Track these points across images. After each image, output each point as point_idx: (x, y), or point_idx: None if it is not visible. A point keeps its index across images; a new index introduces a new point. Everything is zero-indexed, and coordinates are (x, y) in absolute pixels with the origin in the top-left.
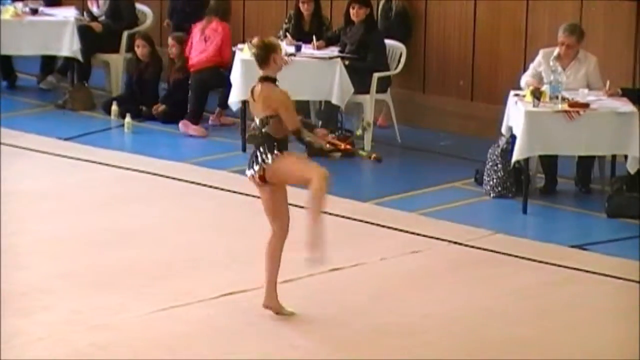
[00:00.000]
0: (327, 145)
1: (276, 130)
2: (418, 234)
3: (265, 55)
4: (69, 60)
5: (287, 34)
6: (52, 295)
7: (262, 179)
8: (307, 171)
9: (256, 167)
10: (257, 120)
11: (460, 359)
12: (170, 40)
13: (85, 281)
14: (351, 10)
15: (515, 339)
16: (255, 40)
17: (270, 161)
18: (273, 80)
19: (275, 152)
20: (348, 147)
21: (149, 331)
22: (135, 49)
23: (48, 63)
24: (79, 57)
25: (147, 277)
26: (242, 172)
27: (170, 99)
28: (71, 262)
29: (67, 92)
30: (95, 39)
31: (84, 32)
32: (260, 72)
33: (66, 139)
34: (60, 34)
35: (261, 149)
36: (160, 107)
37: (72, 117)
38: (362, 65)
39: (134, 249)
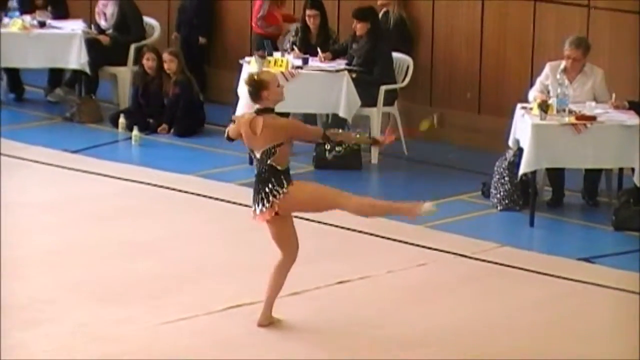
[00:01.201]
0: (357, 140)
1: (282, 159)
2: (425, 247)
3: (257, 92)
4: (76, 73)
5: (295, 46)
6: (57, 307)
7: (275, 214)
8: (339, 197)
9: (267, 205)
10: (258, 154)
11: None
12: (166, 56)
13: (91, 293)
14: (354, 25)
15: (522, 352)
16: (247, 76)
17: (282, 195)
18: (271, 111)
19: (285, 185)
20: (390, 138)
21: (155, 344)
22: (144, 62)
23: (56, 76)
24: (87, 69)
25: (154, 289)
26: (249, 185)
27: (170, 114)
28: (77, 274)
29: (75, 104)
30: (102, 52)
31: (92, 44)
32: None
33: (73, 152)
34: (67, 47)
35: (270, 185)
36: (164, 128)
37: (79, 129)
38: (369, 78)
39: (141, 262)
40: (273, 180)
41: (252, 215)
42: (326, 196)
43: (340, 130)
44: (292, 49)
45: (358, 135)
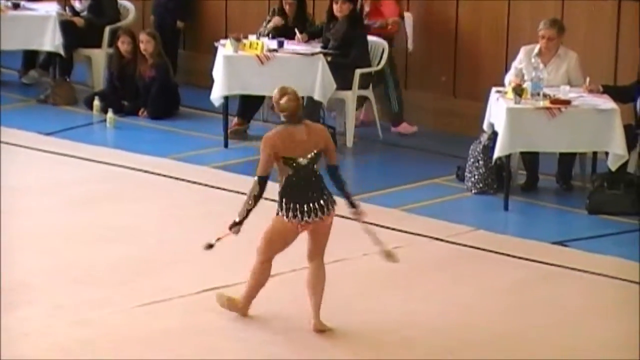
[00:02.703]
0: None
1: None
2: (400, 230)
3: (298, 107)
4: (51, 55)
5: (270, 30)
6: (35, 290)
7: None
8: (263, 246)
9: (324, 212)
10: (304, 161)
11: (442, 358)
12: (143, 36)
13: (68, 276)
14: (334, 6)
15: (497, 336)
16: (280, 92)
17: (333, 208)
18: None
19: (334, 200)
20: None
21: (131, 327)
22: (119, 44)
23: (30, 58)
24: (61, 51)
25: (130, 272)
26: (224, 168)
27: (146, 96)
28: (54, 258)
29: (49, 86)
30: (77, 34)
31: (66, 26)
32: (287, 122)
33: (48, 134)
34: (42, 29)
35: (326, 193)
36: (145, 112)
37: (54, 112)
38: (345, 61)
39: (117, 245)
40: (326, 190)
41: (295, 223)
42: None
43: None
44: (267, 35)
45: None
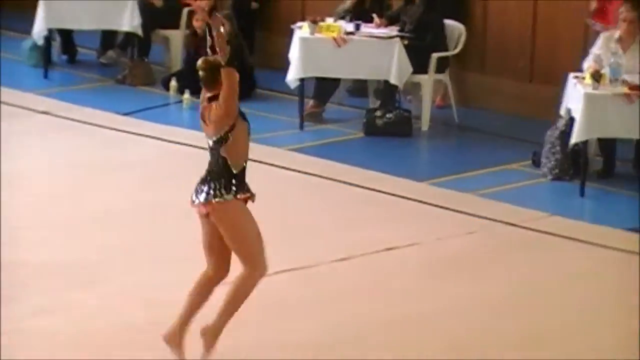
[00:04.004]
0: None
1: (234, 152)
2: (474, 215)
3: (213, 75)
4: (129, 35)
5: (347, 13)
6: (108, 268)
7: (206, 214)
8: (251, 247)
9: (203, 197)
10: (212, 143)
11: (517, 341)
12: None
13: (143, 256)
14: None
15: (570, 322)
16: (200, 61)
17: (221, 200)
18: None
19: (234, 192)
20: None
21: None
22: (194, 22)
23: (108, 38)
24: (139, 32)
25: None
26: (299, 150)
27: None
28: (128, 236)
29: (127, 67)
30: (155, 15)
31: (145, 7)
32: (208, 94)
33: (125, 114)
34: (121, 9)
35: (221, 181)
36: None
37: (131, 92)
38: (421, 45)
39: (191, 224)
40: (222, 179)
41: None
42: (243, 241)
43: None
44: (343, 17)
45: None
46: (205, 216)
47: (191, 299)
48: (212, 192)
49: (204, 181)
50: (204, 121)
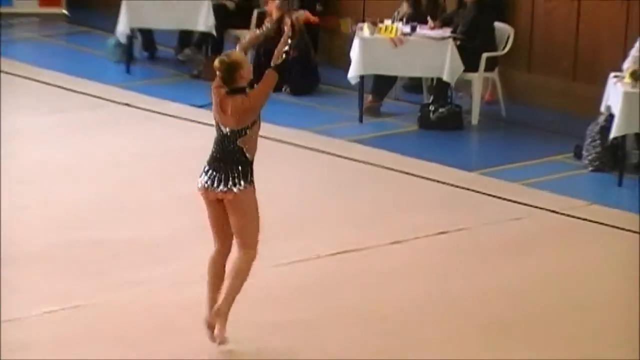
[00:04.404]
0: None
1: (250, 143)
2: (520, 203)
3: (231, 74)
4: (204, 34)
5: (404, 15)
6: (184, 246)
7: (220, 200)
8: (254, 234)
9: (223, 186)
10: (228, 132)
11: (554, 318)
12: (287, 20)
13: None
14: None
15: (607, 302)
16: (217, 61)
17: (242, 188)
18: (243, 90)
19: (250, 182)
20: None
21: (272, 283)
22: (264, 25)
23: (185, 37)
24: (213, 32)
25: (275, 233)
26: (358, 141)
27: (290, 75)
28: (201, 217)
29: (202, 63)
30: (228, 16)
31: (218, 9)
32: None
33: (199, 106)
34: (197, 11)
35: (237, 172)
36: (288, 89)
37: (205, 86)
38: (472, 45)
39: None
40: (240, 168)
41: (203, 187)
42: (249, 226)
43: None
44: (401, 19)
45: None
46: (218, 201)
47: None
48: (231, 180)
49: (217, 168)
50: (223, 111)
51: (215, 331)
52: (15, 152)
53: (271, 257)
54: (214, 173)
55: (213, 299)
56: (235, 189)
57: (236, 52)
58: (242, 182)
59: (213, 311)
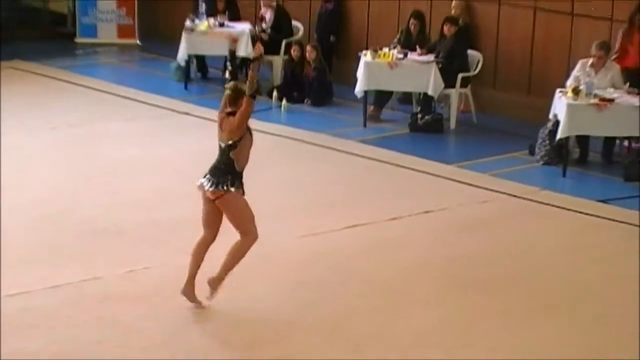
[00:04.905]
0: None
1: (240, 157)
2: (487, 189)
3: (236, 97)
4: (244, 59)
5: (398, 44)
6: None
7: (212, 199)
8: (249, 224)
9: (213, 187)
10: (224, 145)
11: (514, 279)
12: (309, 48)
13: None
14: (445, 27)
15: (552, 265)
16: (230, 84)
17: (228, 191)
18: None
19: (237, 187)
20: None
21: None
22: (292, 52)
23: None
24: (251, 57)
25: (300, 213)
26: (363, 141)
27: (309, 90)
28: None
29: (242, 82)
30: (262, 45)
31: (255, 39)
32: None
33: None
34: (239, 40)
35: (225, 178)
36: (308, 101)
37: None
38: (450, 67)
39: (290, 194)
40: (229, 176)
41: (203, 188)
42: (245, 217)
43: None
44: (395, 47)
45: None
46: (211, 200)
47: (194, 259)
48: (220, 185)
49: (213, 174)
50: (220, 128)
51: (207, 294)
52: (102, 151)
53: (296, 230)
54: (210, 177)
55: (191, 275)
56: (222, 191)
57: (244, 85)
58: (229, 187)
59: (209, 280)
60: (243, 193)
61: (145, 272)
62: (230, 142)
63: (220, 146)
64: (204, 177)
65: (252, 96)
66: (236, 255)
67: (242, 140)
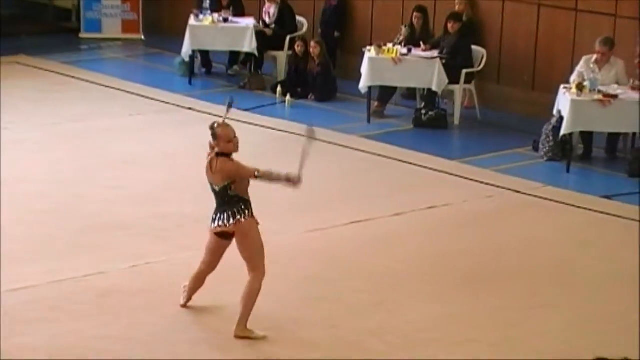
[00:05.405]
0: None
1: (240, 189)
2: (491, 185)
3: (213, 138)
4: (248, 55)
5: (403, 41)
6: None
7: (228, 235)
8: (259, 258)
9: (232, 220)
10: (218, 189)
11: (515, 272)
12: (313, 44)
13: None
14: (448, 24)
15: (556, 260)
16: (216, 122)
17: (243, 219)
18: (227, 155)
19: (251, 214)
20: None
21: (300, 247)
22: (296, 48)
23: (234, 56)
24: (256, 53)
25: (302, 206)
26: (367, 137)
27: (313, 85)
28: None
29: (247, 77)
30: (267, 40)
31: (259, 35)
32: (216, 149)
33: (245, 110)
34: (243, 36)
35: (235, 209)
36: (312, 97)
37: (249, 95)
38: (454, 63)
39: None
40: (238, 206)
41: (220, 225)
42: (256, 251)
43: (272, 171)
44: (401, 43)
45: (278, 174)
46: (224, 236)
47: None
48: (238, 215)
49: (223, 211)
50: (211, 169)
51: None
52: (106, 146)
53: (299, 226)
54: (221, 215)
55: (188, 296)
56: (242, 219)
57: (225, 128)
58: (245, 215)
59: (235, 334)
60: (256, 223)
61: (148, 267)
62: (223, 184)
63: (214, 190)
64: (214, 220)
65: (257, 176)
66: (252, 297)
67: (236, 184)
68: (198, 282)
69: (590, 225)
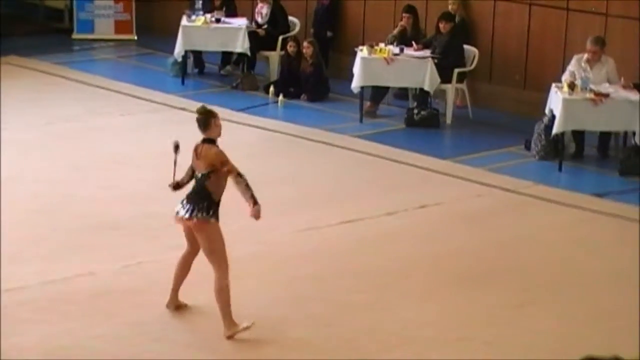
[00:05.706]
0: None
1: (216, 188)
2: (482, 183)
3: (206, 120)
4: (241, 55)
5: (394, 40)
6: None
7: (189, 227)
8: (219, 256)
9: (189, 214)
10: (199, 175)
11: (509, 270)
12: (305, 44)
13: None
14: (440, 24)
15: (545, 257)
16: (198, 106)
17: (202, 218)
18: (213, 142)
19: (212, 215)
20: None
21: (292, 246)
22: (288, 48)
23: (226, 57)
24: (248, 53)
25: (291, 205)
26: (359, 137)
27: (306, 85)
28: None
29: (239, 77)
30: (259, 41)
31: (252, 35)
32: (203, 135)
33: (238, 110)
34: (235, 36)
35: (201, 205)
36: (305, 97)
37: (242, 95)
38: (446, 63)
39: (278, 187)
40: (206, 204)
41: (178, 215)
42: (218, 250)
43: (245, 184)
44: (392, 42)
45: (251, 191)
46: (186, 227)
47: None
48: (195, 211)
49: (189, 200)
50: (196, 155)
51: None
52: (98, 146)
53: (291, 225)
54: (186, 204)
55: (175, 287)
56: (195, 218)
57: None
58: (203, 214)
59: (227, 336)
60: (217, 220)
61: (140, 267)
62: (206, 172)
63: (196, 177)
64: (180, 203)
65: (238, 177)
66: (222, 294)
67: (217, 173)
68: (183, 269)
69: (582, 223)
